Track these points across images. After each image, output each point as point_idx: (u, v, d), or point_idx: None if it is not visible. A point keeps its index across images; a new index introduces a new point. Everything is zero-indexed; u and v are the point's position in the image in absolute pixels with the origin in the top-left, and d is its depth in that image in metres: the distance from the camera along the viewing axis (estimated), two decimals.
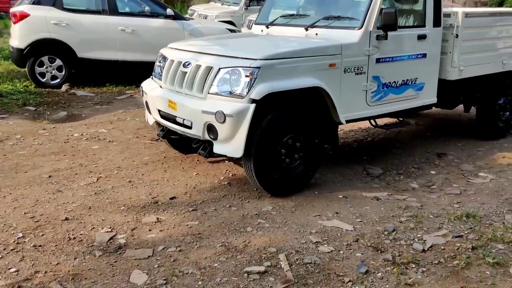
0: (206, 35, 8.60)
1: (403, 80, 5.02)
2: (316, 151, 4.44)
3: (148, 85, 4.94)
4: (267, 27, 5.34)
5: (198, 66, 4.26)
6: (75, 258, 3.24)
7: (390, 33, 4.65)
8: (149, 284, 2.96)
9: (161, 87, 4.69)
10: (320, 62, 4.32)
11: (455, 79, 5.50)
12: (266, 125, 4.04)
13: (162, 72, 4.69)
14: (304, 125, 4.30)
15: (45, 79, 8.32)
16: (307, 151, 4.36)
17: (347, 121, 4.66)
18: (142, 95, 5.01)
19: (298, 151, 4.32)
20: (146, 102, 4.92)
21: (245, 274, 3.08)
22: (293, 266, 3.19)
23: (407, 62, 5.01)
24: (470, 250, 3.45)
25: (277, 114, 4.12)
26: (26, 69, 8.32)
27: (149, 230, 3.65)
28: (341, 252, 3.39)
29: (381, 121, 5.31)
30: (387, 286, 3.00)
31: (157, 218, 3.84)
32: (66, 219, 3.79)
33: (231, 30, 9.63)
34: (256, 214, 3.95)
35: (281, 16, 5.39)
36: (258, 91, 3.92)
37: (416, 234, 3.68)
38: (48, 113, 6.96)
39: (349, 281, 3.03)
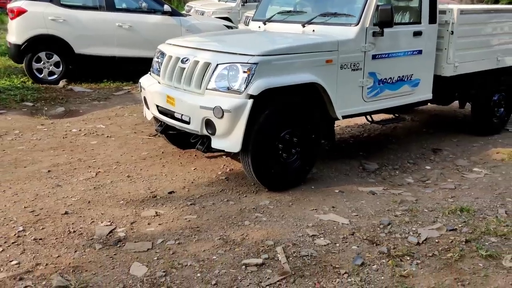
0: (203, 31, 8.65)
1: (399, 76, 5.08)
2: (313, 146, 4.49)
3: (146, 80, 4.98)
4: (265, 24, 5.39)
5: (196, 62, 4.30)
6: (75, 251, 3.28)
7: (386, 30, 4.71)
8: (149, 276, 3.01)
9: (159, 82, 4.74)
10: (317, 58, 4.37)
11: (450, 75, 5.56)
12: (264, 120, 4.09)
13: (160, 68, 4.73)
14: (301, 120, 4.35)
15: (42, 75, 8.34)
16: (304, 146, 4.42)
17: (344, 117, 4.71)
18: (141, 90, 5.05)
19: (295, 146, 4.37)
20: (145, 98, 4.96)
21: (243, 266, 3.14)
22: (290, 258, 3.25)
23: (403, 59, 5.07)
24: (463, 243, 3.52)
25: (275, 109, 4.17)
26: (23, 65, 8.34)
27: (148, 224, 3.70)
28: (337, 245, 3.45)
29: (377, 117, 5.38)
30: (382, 278, 3.06)
31: (156, 212, 3.89)
32: (66, 213, 3.83)
33: (228, 27, 9.66)
34: (254, 208, 4.01)
35: (278, 13, 5.43)
36: (256, 87, 3.97)
37: (411, 228, 3.74)
38: (46, 108, 6.99)
39: (345, 272, 3.09)
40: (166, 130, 5.01)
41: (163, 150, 5.36)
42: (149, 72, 5.11)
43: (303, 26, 4.94)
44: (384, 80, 4.94)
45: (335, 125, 4.92)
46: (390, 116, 5.68)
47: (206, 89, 4.18)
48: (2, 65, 9.64)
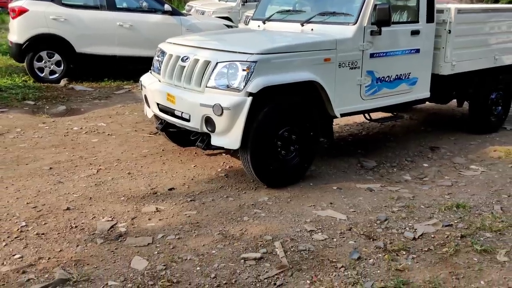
0: (204, 30, 8.70)
1: (397, 75, 5.13)
2: (311, 144, 4.55)
3: (147, 79, 5.04)
4: (264, 23, 5.45)
5: (196, 60, 4.36)
6: (77, 246, 3.34)
7: (384, 29, 4.76)
8: (149, 270, 3.07)
9: (159, 81, 4.79)
10: (315, 56, 4.42)
11: (447, 74, 5.62)
12: (263, 118, 4.15)
13: (160, 67, 4.79)
14: (299, 118, 4.41)
15: (43, 74, 8.40)
16: (302, 143, 4.48)
17: (342, 115, 4.77)
18: (141, 89, 5.11)
19: (293, 144, 4.43)
20: (145, 96, 5.02)
21: (242, 260, 3.20)
22: (288, 253, 3.31)
23: (401, 57, 5.12)
24: (459, 238, 3.58)
25: (273, 107, 4.22)
26: (25, 64, 8.40)
27: (149, 219, 3.76)
28: (335, 240, 3.51)
29: (376, 116, 5.43)
30: (378, 271, 3.12)
31: (156, 208, 3.95)
32: (68, 208, 3.89)
33: (229, 26, 9.72)
34: (253, 204, 4.07)
35: (277, 12, 5.49)
36: (255, 85, 4.03)
37: (408, 223, 3.80)
38: (47, 107, 7.05)
39: (342, 266, 3.15)
40: (166, 128, 5.07)
41: (164, 147, 5.42)
42: (149, 71, 5.17)
43: (302, 25, 4.99)
44: (382, 79, 4.99)
45: (334, 123, 4.98)
46: (388, 114, 5.74)
47: (206, 87, 4.24)
48: (3, 64, 9.71)
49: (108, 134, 5.91)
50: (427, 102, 6.08)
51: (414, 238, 3.56)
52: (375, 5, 4.67)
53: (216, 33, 6.67)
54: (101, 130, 6.06)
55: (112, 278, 2.98)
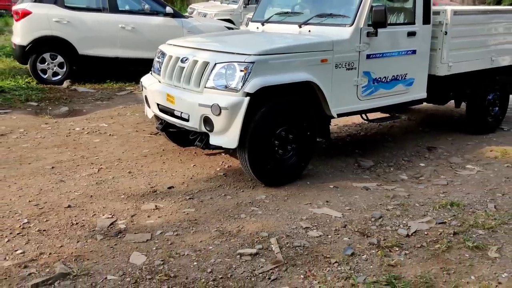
0: (205, 32, 8.79)
1: (393, 76, 5.21)
2: (308, 143, 4.63)
3: (147, 80, 5.13)
4: (263, 25, 5.53)
5: (195, 62, 4.45)
6: (77, 242, 3.43)
7: (380, 30, 4.84)
8: (148, 264, 3.15)
9: (159, 82, 4.88)
10: (312, 57, 4.50)
11: (444, 74, 5.68)
12: (260, 117, 4.23)
13: (160, 68, 4.88)
14: (296, 118, 4.48)
15: (46, 75, 8.50)
16: (299, 143, 4.55)
17: (339, 115, 4.84)
18: (142, 89, 5.20)
19: (291, 143, 4.51)
20: (146, 97, 5.11)
21: (238, 256, 3.28)
22: (283, 249, 3.38)
23: (397, 58, 5.20)
24: (451, 235, 3.64)
25: (271, 107, 4.30)
26: (28, 65, 8.51)
27: (148, 217, 3.84)
28: (329, 236, 3.58)
29: (373, 116, 5.51)
30: (371, 266, 3.19)
31: (156, 206, 4.03)
32: (69, 206, 3.98)
33: (230, 28, 9.81)
34: (250, 202, 4.15)
35: (276, 14, 5.58)
36: (252, 85, 4.11)
37: (402, 221, 3.87)
38: (50, 108, 7.15)
39: (335, 262, 3.22)
40: (166, 128, 5.16)
41: (164, 147, 5.51)
42: (150, 72, 5.26)
43: (300, 27, 5.07)
44: (379, 79, 5.07)
45: (333, 124, 5.06)
46: (386, 115, 5.82)
47: (205, 87, 4.32)
48: (7, 66, 9.82)
49: (110, 135, 6.00)
50: (425, 103, 6.15)
51: (407, 235, 3.63)
52: (372, 7, 4.75)
53: (215, 34, 6.77)
54: (102, 131, 6.15)
55: (111, 273, 3.06)
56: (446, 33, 5.54)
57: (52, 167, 4.85)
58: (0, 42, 12.81)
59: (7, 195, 4.17)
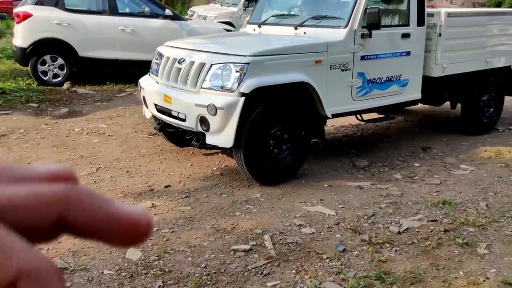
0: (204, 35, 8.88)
1: (388, 77, 5.28)
2: (303, 143, 4.70)
3: (145, 81, 5.22)
4: (259, 26, 5.62)
5: (192, 63, 4.53)
6: (74, 238, 3.49)
7: (374, 32, 4.92)
8: (143, 260, 3.23)
9: (157, 82, 4.97)
10: (306, 58, 4.58)
11: (438, 76, 5.76)
12: (255, 117, 4.31)
13: (158, 69, 4.96)
14: (291, 118, 4.56)
15: (47, 77, 8.59)
16: (294, 142, 4.63)
17: (333, 115, 4.91)
18: (140, 90, 5.28)
19: (286, 143, 4.59)
20: (144, 97, 5.20)
21: (232, 252, 3.35)
22: (276, 245, 3.46)
23: (392, 60, 5.28)
24: (442, 232, 3.71)
25: (266, 107, 4.38)
26: (29, 67, 8.60)
27: None
28: (322, 233, 3.66)
29: (368, 117, 5.58)
30: (362, 262, 3.26)
31: (152, 204, 4.11)
32: None
33: (228, 31, 9.90)
34: (245, 200, 4.22)
35: (272, 16, 5.66)
36: (248, 86, 4.19)
37: (394, 219, 3.94)
38: (50, 109, 7.24)
39: (327, 258, 3.30)
40: (164, 128, 5.23)
41: (162, 147, 5.59)
42: (148, 73, 5.35)
43: (296, 29, 5.16)
44: (373, 80, 5.14)
45: (330, 125, 5.13)
46: (381, 115, 5.89)
47: (201, 88, 4.41)
48: (8, 68, 9.92)
49: (109, 135, 6.08)
50: (421, 105, 6.23)
51: (398, 232, 3.70)
52: (366, 9, 4.83)
53: (212, 36, 6.86)
54: (101, 131, 6.23)
55: (108, 268, 3.13)
56: (440, 35, 5.62)
57: None
58: (2, 45, 12.93)
59: None
